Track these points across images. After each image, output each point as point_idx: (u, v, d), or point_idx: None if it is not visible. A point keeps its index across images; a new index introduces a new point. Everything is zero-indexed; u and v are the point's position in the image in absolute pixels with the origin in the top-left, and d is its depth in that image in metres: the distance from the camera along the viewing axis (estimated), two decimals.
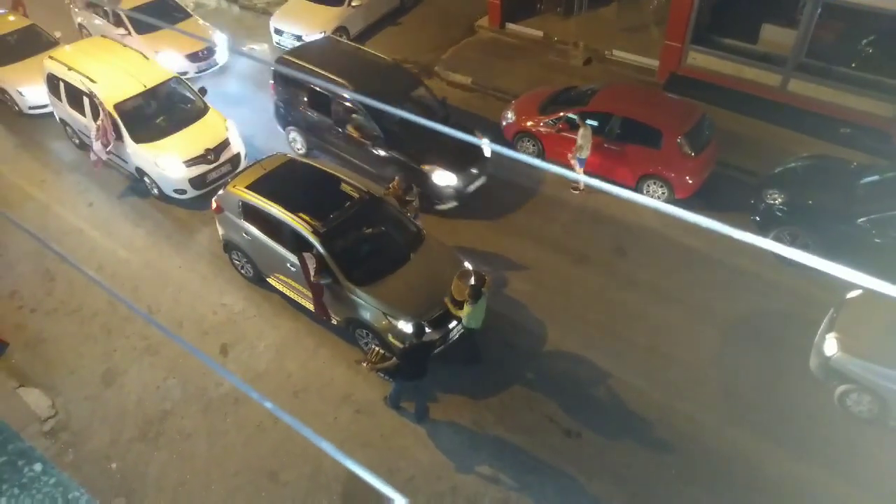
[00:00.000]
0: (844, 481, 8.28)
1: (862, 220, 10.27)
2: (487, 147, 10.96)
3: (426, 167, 11.85)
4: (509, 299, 10.73)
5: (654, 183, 11.97)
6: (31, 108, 14.90)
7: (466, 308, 8.89)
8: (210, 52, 16.41)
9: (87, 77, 12.62)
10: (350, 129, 12.51)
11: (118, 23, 16.34)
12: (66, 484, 2.06)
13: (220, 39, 16.61)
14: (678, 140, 11.63)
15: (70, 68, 12.94)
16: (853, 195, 10.69)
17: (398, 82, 12.90)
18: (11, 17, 16.16)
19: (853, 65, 13.45)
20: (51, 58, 13.50)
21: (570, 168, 11.89)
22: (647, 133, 11.85)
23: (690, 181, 11.81)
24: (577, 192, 12.78)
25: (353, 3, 17.25)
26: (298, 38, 16.75)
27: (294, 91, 13.24)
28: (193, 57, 16.10)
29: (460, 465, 8.66)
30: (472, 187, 12.29)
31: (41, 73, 13.73)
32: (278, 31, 17.10)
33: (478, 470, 8.60)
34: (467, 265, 9.81)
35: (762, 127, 13.67)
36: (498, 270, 11.06)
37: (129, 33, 16.06)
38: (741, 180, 12.42)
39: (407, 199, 10.80)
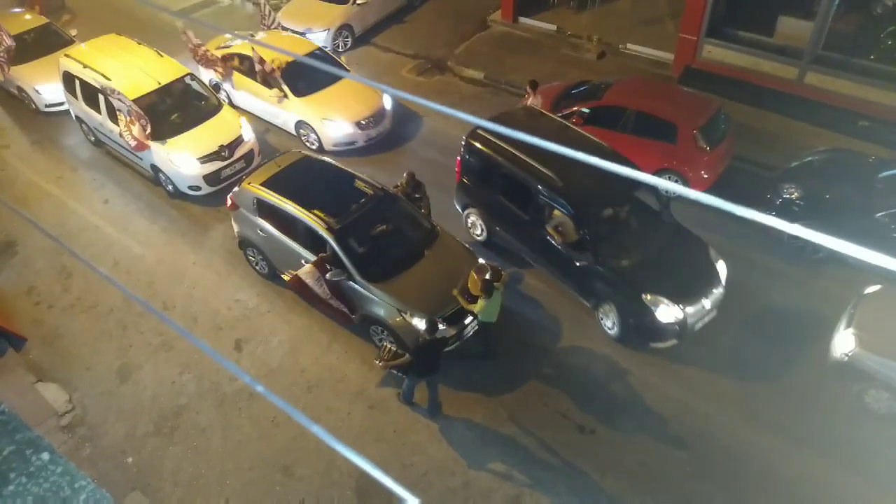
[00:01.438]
0: (863, 479, 8.18)
1: (880, 214, 10.13)
2: (723, 270, 9.82)
3: (648, 297, 9.31)
4: (524, 296, 10.70)
5: (669, 177, 11.86)
6: (47, 105, 15.04)
7: (480, 302, 8.88)
8: (380, 116, 13.82)
9: (103, 74, 12.71)
10: (550, 230, 10.06)
11: (268, 82, 13.79)
12: (72, 473, 2.06)
13: (388, 100, 14.05)
14: (693, 134, 11.52)
15: (85, 66, 13.04)
16: (871, 189, 10.53)
17: (618, 177, 11.29)
18: (28, 16, 16.30)
19: (871, 57, 13.25)
20: (66, 56, 13.61)
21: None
22: (662, 127, 11.74)
23: (706, 175, 11.70)
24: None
25: (359, 1, 17.12)
26: (301, 34, 16.68)
27: (485, 171, 10.91)
28: (365, 124, 13.59)
29: (473, 461, 8.65)
30: (700, 324, 9.61)
31: (57, 71, 13.84)
32: (284, 28, 17.05)
33: (491, 466, 8.59)
34: (482, 261, 9.78)
35: (779, 120, 13.51)
36: (513, 267, 11.01)
37: (286, 96, 13.63)
38: (757, 174, 12.28)
39: (415, 195, 10.78)
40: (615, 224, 10.20)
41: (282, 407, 2.45)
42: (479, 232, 11.51)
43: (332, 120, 13.42)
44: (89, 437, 9.18)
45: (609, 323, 9.92)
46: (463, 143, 11.11)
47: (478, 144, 10.79)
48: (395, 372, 9.09)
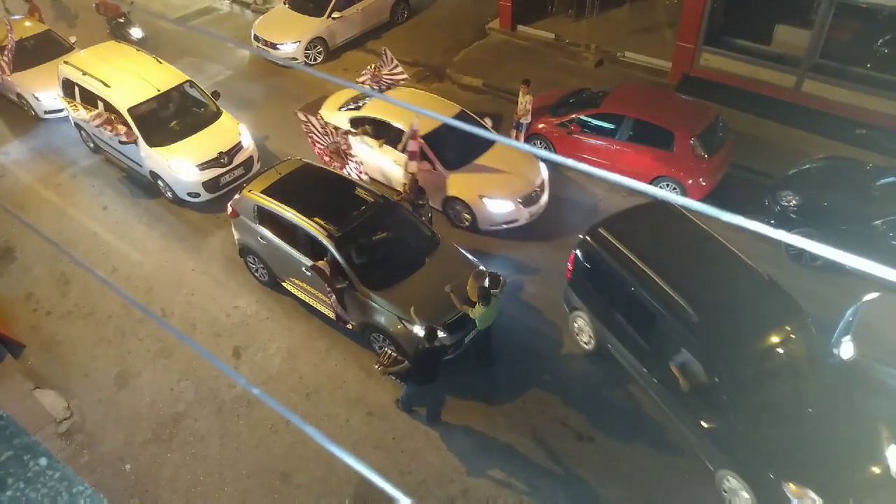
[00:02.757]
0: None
1: (878, 221, 10.18)
2: (894, 459, 7.18)
3: (793, 487, 7.13)
4: (525, 303, 10.70)
5: (667, 185, 11.90)
6: (46, 112, 15.05)
7: (478, 308, 8.88)
8: (542, 188, 11.82)
9: (102, 81, 12.74)
10: (674, 369, 7.94)
11: (413, 155, 10.99)
12: (70, 478, 2.06)
13: (544, 168, 12.02)
14: (691, 142, 11.57)
15: (85, 73, 13.06)
16: (869, 197, 10.58)
17: (767, 309, 8.11)
18: (28, 23, 16.33)
19: (868, 65, 13.32)
20: (66, 63, 13.64)
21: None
22: (660, 135, 11.80)
23: (704, 183, 11.74)
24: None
25: (334, 16, 16.97)
26: (273, 45, 16.54)
27: (601, 278, 9.15)
28: (528, 199, 11.59)
29: (472, 468, 8.64)
30: None
31: (57, 77, 13.86)
32: (257, 39, 16.93)
33: (489, 473, 8.57)
34: (482, 267, 9.79)
35: (776, 128, 13.57)
36: (513, 274, 11.00)
37: (434, 168, 11.53)
38: (755, 182, 12.32)
39: (418, 202, 10.78)
40: (763, 376, 7.79)
41: (280, 412, 2.45)
42: (586, 340, 9.79)
43: (491, 197, 11.40)
44: (87, 444, 9.15)
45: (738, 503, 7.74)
46: (580, 238, 9.43)
47: (596, 245, 9.05)
48: (394, 378, 9.08)
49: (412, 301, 9.26)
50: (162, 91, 12.88)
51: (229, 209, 10.95)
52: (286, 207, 9.99)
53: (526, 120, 12.94)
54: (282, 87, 16.23)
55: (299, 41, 16.56)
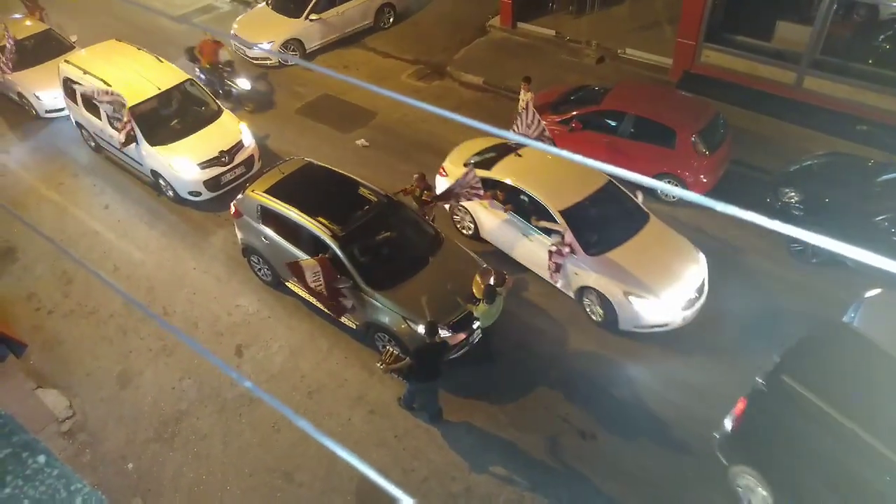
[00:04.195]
0: None
1: (879, 218, 10.16)
2: None
3: None
4: (528, 302, 10.69)
5: (669, 182, 11.89)
6: (47, 111, 15.07)
7: (482, 307, 8.89)
8: (702, 289, 9.88)
9: (103, 80, 12.73)
10: None
11: (547, 230, 10.16)
12: (68, 476, 2.08)
13: (704, 262, 10.06)
14: (692, 139, 11.56)
15: (85, 72, 13.06)
16: (870, 193, 10.57)
17: None
18: (28, 22, 16.34)
19: (870, 61, 13.31)
20: (66, 62, 13.64)
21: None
22: (661, 132, 11.78)
23: (705, 180, 11.73)
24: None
25: (312, 18, 16.85)
26: (247, 44, 16.41)
27: (789, 435, 7.30)
28: (685, 302, 9.63)
29: (474, 465, 8.65)
30: None
31: (57, 77, 13.86)
32: (235, 37, 16.84)
33: (492, 471, 8.58)
34: (487, 266, 9.77)
35: (777, 125, 13.56)
36: (517, 273, 10.99)
37: (572, 251, 9.80)
38: (756, 179, 12.31)
39: (424, 199, 10.73)
40: None
41: (284, 413, 2.45)
42: (758, 503, 7.77)
43: (640, 297, 9.46)
44: (90, 442, 9.17)
45: None
46: (756, 386, 7.56)
47: (781, 398, 7.28)
48: (395, 376, 9.09)
49: (416, 301, 9.26)
50: (163, 90, 12.88)
51: (232, 209, 10.95)
52: (290, 207, 9.98)
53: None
54: (283, 84, 16.24)
55: (273, 41, 16.46)
